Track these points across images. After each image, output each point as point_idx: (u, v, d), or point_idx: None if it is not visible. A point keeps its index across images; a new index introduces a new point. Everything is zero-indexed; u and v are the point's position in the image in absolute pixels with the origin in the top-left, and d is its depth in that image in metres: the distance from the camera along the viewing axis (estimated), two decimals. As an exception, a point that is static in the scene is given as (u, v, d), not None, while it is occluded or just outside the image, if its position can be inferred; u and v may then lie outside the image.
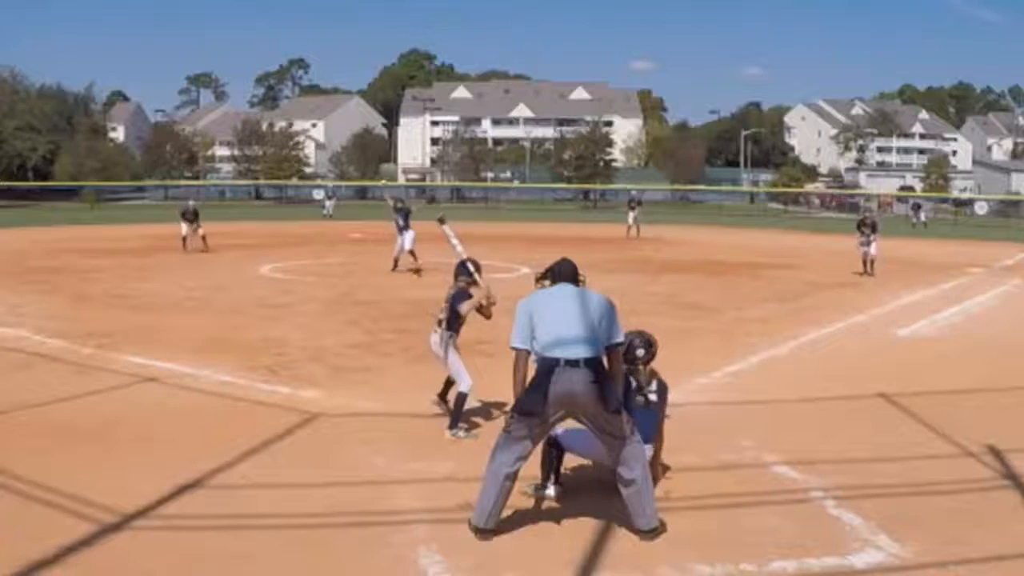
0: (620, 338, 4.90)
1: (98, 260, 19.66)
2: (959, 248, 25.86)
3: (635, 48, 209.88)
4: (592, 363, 4.67)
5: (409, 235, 17.96)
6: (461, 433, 6.59)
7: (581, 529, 4.80)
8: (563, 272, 5.13)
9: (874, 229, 18.70)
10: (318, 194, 61.35)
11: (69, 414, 7.02)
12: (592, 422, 4.74)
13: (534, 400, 4.66)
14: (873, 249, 18.50)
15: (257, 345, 9.90)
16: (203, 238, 22.23)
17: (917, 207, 46.03)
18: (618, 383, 4.85)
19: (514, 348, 4.87)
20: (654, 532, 4.71)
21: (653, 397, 5.50)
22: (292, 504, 5.17)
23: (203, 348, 9.69)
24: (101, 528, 4.71)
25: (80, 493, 5.17)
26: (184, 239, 22.37)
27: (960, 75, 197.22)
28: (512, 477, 4.77)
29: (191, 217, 22.72)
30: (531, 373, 4.79)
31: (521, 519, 4.93)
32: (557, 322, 4.76)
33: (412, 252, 17.90)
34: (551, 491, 5.36)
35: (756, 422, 7.07)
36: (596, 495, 5.30)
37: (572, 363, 4.64)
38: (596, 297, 4.94)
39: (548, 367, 4.65)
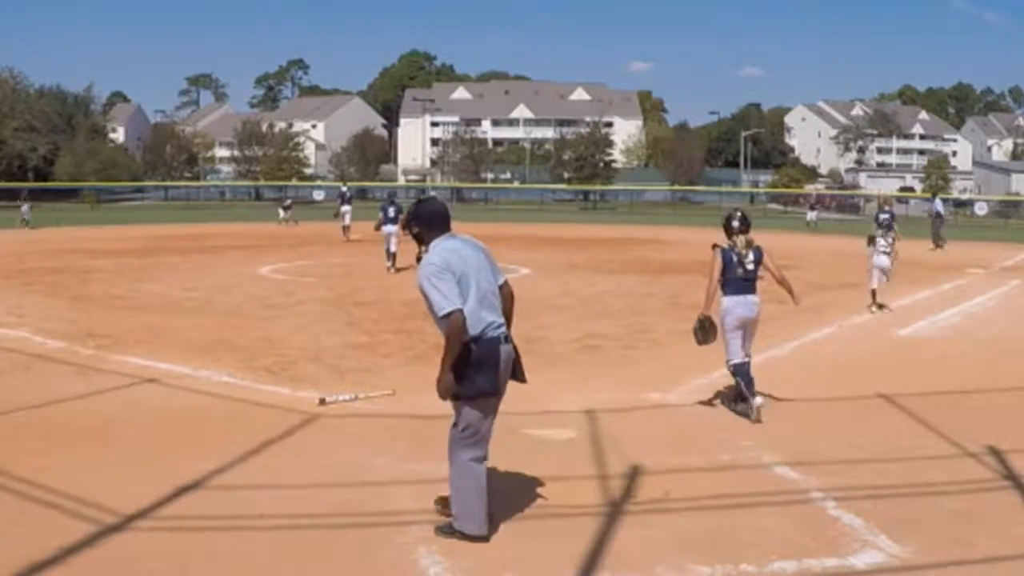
0: (504, 276, 4.77)
1: (98, 261, 19.66)
2: (959, 249, 25.81)
3: (633, 49, 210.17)
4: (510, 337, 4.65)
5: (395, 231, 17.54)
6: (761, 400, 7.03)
7: (581, 529, 4.80)
8: (442, 216, 4.70)
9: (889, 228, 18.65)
10: (318, 195, 61.37)
11: (69, 415, 7.02)
12: (500, 399, 4.69)
13: (490, 377, 4.50)
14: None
15: (257, 346, 9.90)
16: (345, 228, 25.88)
17: (813, 206, 45.08)
18: (511, 319, 4.77)
19: (452, 311, 4.35)
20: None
21: (751, 267, 7.10)
22: (292, 504, 5.16)
23: (203, 349, 9.69)
24: (101, 528, 4.71)
25: (80, 493, 5.17)
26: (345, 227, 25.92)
27: (960, 76, 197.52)
28: (485, 465, 4.67)
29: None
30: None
31: (521, 519, 4.93)
32: (482, 292, 4.53)
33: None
34: (759, 400, 6.86)
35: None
36: (596, 495, 5.31)
37: (507, 338, 4.61)
38: (479, 244, 4.73)
39: (492, 346, 4.51)
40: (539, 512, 5.08)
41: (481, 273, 4.56)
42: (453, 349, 4.42)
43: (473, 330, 4.45)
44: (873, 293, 13.51)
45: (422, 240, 4.70)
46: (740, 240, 7.14)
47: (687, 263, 21.08)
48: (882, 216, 18.99)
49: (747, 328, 7.22)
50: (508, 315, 4.74)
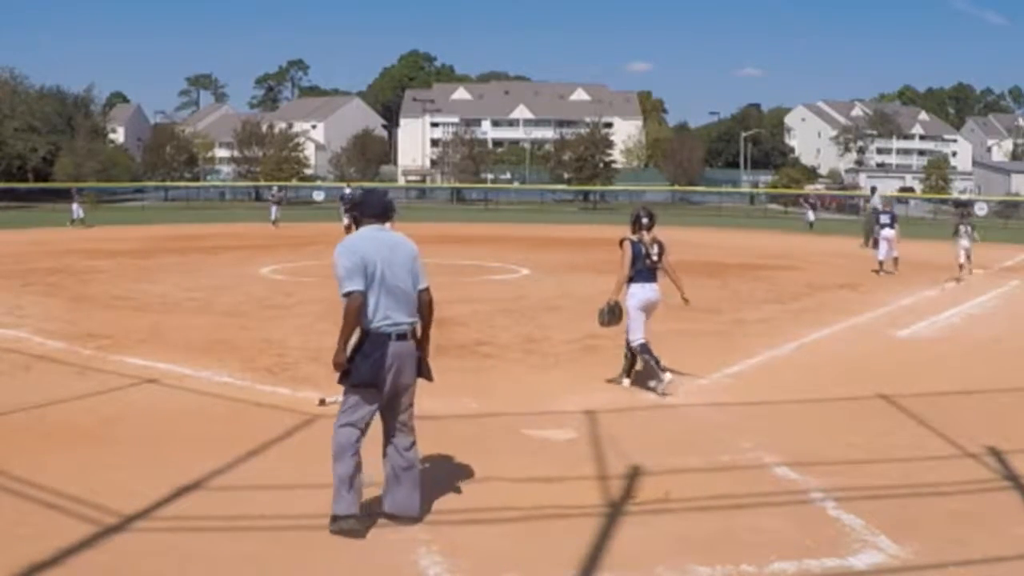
0: (427, 283, 4.84)
1: (98, 261, 19.66)
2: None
3: (633, 50, 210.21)
4: (414, 335, 4.75)
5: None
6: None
7: (581, 529, 4.80)
8: (375, 207, 4.83)
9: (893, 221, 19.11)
10: (318, 196, 61.30)
11: (69, 415, 7.02)
12: (404, 393, 4.76)
13: (371, 370, 4.61)
14: (892, 248, 18.81)
15: (257, 346, 9.90)
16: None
17: (814, 205, 44.14)
18: (429, 324, 4.87)
19: (351, 291, 4.60)
20: (415, 520, 4.79)
21: (655, 257, 7.95)
22: (292, 505, 5.16)
23: (203, 349, 9.69)
24: (101, 529, 4.71)
25: (80, 494, 5.17)
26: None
27: (960, 76, 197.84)
28: (357, 443, 4.70)
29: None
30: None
31: (521, 519, 4.93)
32: (388, 287, 4.64)
33: None
34: (669, 376, 7.78)
35: (756, 423, 7.07)
36: (596, 496, 5.31)
37: (401, 336, 4.67)
38: (407, 246, 4.81)
39: (381, 340, 4.62)
40: (539, 512, 5.07)
41: (394, 269, 4.67)
42: (346, 328, 4.62)
43: (368, 320, 4.61)
44: (960, 267, 17.74)
45: (358, 224, 4.87)
46: (646, 235, 7.98)
47: (686, 264, 21.05)
48: (883, 217, 19.18)
49: (649, 311, 8.06)
50: (425, 321, 4.86)
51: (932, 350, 10.48)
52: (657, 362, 7.88)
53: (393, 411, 4.81)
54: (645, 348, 7.94)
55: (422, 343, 4.86)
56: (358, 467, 4.68)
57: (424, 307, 4.82)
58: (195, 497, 5.26)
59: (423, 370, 4.85)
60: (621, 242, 8.01)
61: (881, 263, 18.74)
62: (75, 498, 5.12)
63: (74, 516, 4.89)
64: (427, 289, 4.82)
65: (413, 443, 4.87)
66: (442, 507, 5.12)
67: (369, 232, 4.76)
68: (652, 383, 7.96)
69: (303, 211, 49.04)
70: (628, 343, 8.07)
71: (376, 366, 4.62)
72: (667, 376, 7.87)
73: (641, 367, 8.13)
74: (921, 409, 7.40)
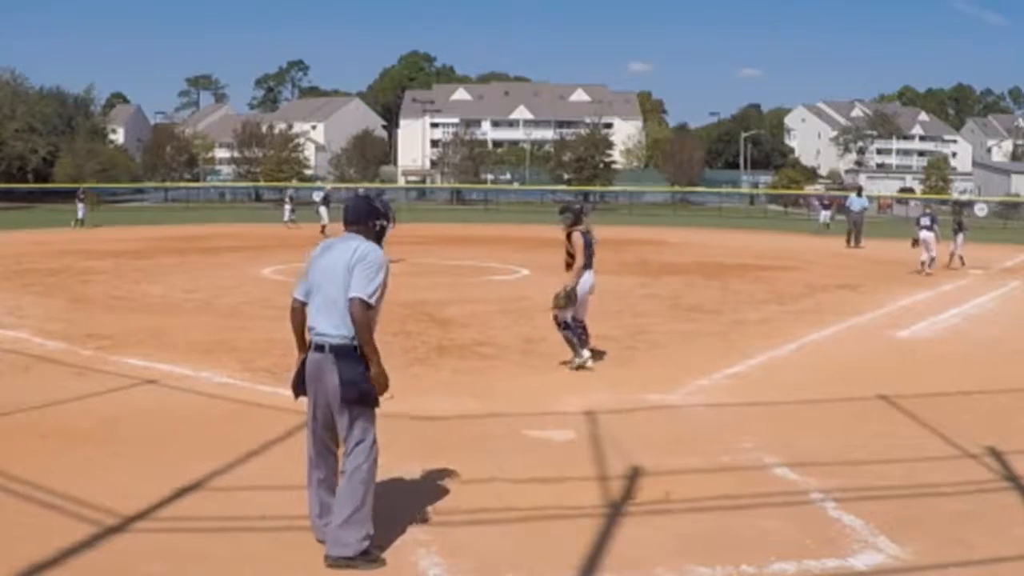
0: (360, 293, 4.29)
1: (98, 262, 19.66)
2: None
3: (633, 50, 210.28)
4: (338, 349, 4.34)
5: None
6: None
7: (581, 529, 4.80)
8: (351, 212, 4.64)
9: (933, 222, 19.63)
10: (318, 196, 61.23)
11: (69, 416, 7.01)
12: (331, 409, 4.46)
13: (296, 377, 4.56)
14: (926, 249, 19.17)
15: (257, 347, 9.90)
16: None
17: (827, 205, 42.14)
18: (363, 338, 4.36)
19: (292, 298, 4.64)
20: (340, 561, 4.30)
21: (595, 246, 8.74)
22: (292, 506, 5.15)
23: (203, 350, 9.69)
24: (101, 530, 4.71)
25: (80, 495, 5.17)
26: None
27: (960, 77, 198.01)
28: (322, 480, 4.57)
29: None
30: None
31: (521, 519, 4.93)
32: (322, 296, 4.45)
33: None
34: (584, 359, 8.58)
35: (756, 424, 7.07)
36: (596, 496, 5.31)
37: (319, 348, 4.40)
38: (351, 253, 4.39)
39: (308, 349, 4.52)
40: (539, 512, 5.07)
41: (329, 277, 4.44)
42: (294, 335, 4.65)
43: (308, 328, 4.58)
44: (960, 258, 20.60)
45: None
46: (591, 227, 8.76)
47: (687, 264, 21.10)
48: (924, 219, 19.78)
49: (588, 294, 8.86)
50: (357, 334, 4.36)
51: (932, 350, 10.48)
52: (575, 346, 8.73)
53: (338, 426, 4.56)
54: (569, 327, 8.76)
55: (369, 359, 4.41)
56: (322, 497, 4.57)
57: (351, 318, 4.32)
58: (195, 497, 5.26)
59: (345, 387, 4.35)
60: (569, 235, 8.68)
61: (933, 259, 19.03)
62: (75, 498, 5.12)
63: (74, 516, 4.89)
64: (356, 299, 4.29)
65: (341, 471, 4.50)
66: (442, 507, 5.12)
67: (333, 239, 4.66)
68: (570, 358, 8.79)
69: (304, 211, 48.99)
70: (555, 317, 8.75)
71: (298, 373, 4.56)
72: (577, 362, 8.69)
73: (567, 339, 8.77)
74: (921, 409, 7.40)
